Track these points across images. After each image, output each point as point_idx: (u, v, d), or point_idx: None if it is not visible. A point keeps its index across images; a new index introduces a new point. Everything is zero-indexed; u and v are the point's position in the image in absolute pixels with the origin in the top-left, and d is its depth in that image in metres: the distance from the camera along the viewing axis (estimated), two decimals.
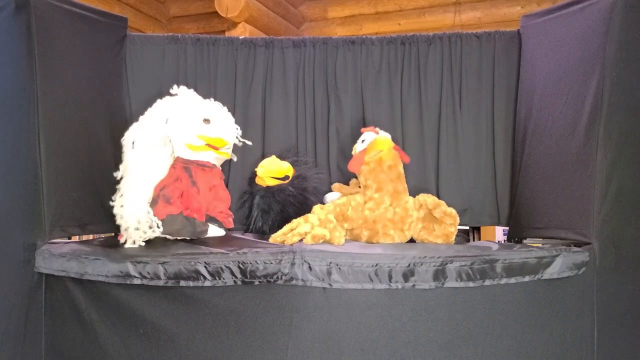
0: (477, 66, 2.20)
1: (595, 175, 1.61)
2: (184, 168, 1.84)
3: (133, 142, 1.78)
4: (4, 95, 1.59)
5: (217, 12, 3.61)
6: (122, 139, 1.82)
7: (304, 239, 1.71)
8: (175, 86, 1.95)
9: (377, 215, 1.85)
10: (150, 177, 1.77)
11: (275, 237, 1.78)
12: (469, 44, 2.20)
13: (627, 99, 1.60)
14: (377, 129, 1.99)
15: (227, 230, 1.98)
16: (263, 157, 2.24)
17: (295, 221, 1.82)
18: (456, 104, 2.21)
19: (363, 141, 1.95)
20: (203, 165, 1.88)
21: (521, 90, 2.09)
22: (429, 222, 1.89)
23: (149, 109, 1.88)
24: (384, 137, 1.95)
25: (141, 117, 1.87)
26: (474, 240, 2.40)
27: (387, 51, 2.25)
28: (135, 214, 1.70)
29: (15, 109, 1.61)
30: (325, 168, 2.26)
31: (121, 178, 1.79)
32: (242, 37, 2.31)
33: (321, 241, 1.72)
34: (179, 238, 1.82)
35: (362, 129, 2.02)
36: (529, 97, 2.01)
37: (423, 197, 1.89)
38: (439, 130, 2.21)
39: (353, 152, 1.99)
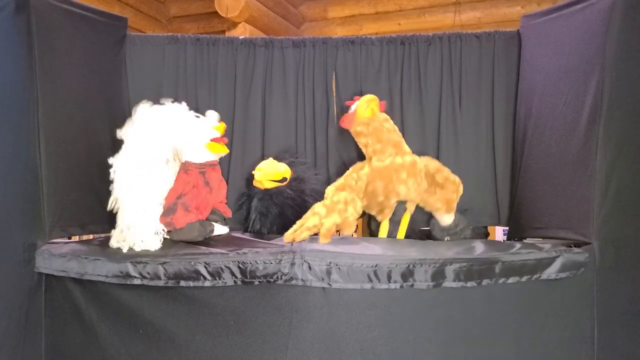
0: (477, 66, 2.20)
1: (595, 175, 1.61)
2: (200, 173, 1.84)
3: (136, 163, 1.76)
4: (3, 95, 1.59)
5: (217, 12, 3.60)
6: (113, 159, 1.76)
7: (319, 239, 1.71)
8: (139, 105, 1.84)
9: (388, 163, 1.89)
10: (160, 194, 1.78)
11: (288, 235, 1.77)
12: (468, 44, 2.20)
13: (626, 99, 1.61)
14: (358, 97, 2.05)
15: (227, 220, 1.99)
16: (263, 157, 2.24)
17: (305, 216, 1.81)
18: (456, 104, 2.21)
19: (350, 109, 2.02)
20: (213, 165, 1.90)
21: (521, 90, 2.09)
22: (430, 185, 1.92)
23: (137, 127, 1.79)
24: (367, 95, 2.02)
25: (127, 147, 1.78)
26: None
27: (387, 51, 2.25)
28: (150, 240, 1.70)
29: (15, 109, 1.61)
30: (324, 168, 2.26)
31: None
32: (242, 37, 2.31)
33: (335, 230, 1.74)
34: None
35: (347, 102, 2.08)
36: (528, 97, 2.01)
37: (426, 160, 1.96)
38: (438, 130, 2.21)
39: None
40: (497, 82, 2.18)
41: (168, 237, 1.77)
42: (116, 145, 2.05)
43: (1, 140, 1.59)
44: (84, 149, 1.86)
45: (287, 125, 2.28)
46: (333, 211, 1.75)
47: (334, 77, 2.27)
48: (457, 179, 1.92)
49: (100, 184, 1.91)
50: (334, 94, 2.28)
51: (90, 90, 1.91)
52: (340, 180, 1.92)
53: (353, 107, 2.00)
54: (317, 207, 1.80)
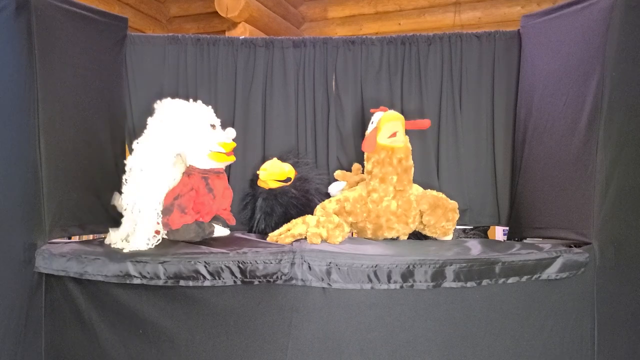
0: (477, 66, 2.19)
1: (595, 175, 1.61)
2: (202, 178, 1.85)
3: (143, 163, 1.77)
4: (4, 95, 1.59)
5: (217, 12, 3.61)
6: (126, 161, 1.80)
7: (307, 238, 1.72)
8: (159, 101, 1.89)
9: (381, 209, 1.85)
10: (161, 192, 1.79)
11: (272, 236, 1.79)
12: (469, 44, 2.20)
13: (627, 99, 1.60)
14: (385, 107, 1.98)
15: (230, 227, 1.99)
16: (264, 157, 2.24)
17: (293, 221, 1.82)
18: (456, 104, 2.21)
19: (372, 122, 1.94)
20: (218, 172, 1.91)
21: (521, 90, 2.09)
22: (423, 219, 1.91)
23: (150, 126, 1.83)
24: (392, 112, 1.94)
25: (144, 136, 1.82)
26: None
27: (387, 51, 2.24)
28: (148, 238, 1.70)
29: (16, 109, 1.61)
30: (325, 168, 2.26)
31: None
32: (242, 37, 2.31)
33: (320, 240, 1.71)
34: None
35: (372, 110, 2.01)
36: (529, 97, 2.01)
37: (424, 199, 1.91)
38: (439, 130, 2.21)
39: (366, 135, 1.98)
40: (497, 82, 2.18)
41: (166, 237, 1.78)
42: (116, 145, 2.06)
43: (1, 140, 1.59)
44: (84, 149, 1.86)
45: (288, 125, 2.28)
46: (322, 227, 1.76)
47: (334, 77, 2.27)
48: (451, 206, 1.90)
49: (101, 184, 1.92)
50: (334, 94, 2.28)
51: (90, 90, 1.91)
52: (332, 204, 1.89)
53: (374, 123, 1.91)
54: (309, 217, 1.81)
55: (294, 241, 1.73)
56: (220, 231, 1.88)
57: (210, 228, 1.85)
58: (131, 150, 1.83)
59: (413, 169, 1.94)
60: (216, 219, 1.91)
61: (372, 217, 1.86)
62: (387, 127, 1.87)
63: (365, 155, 1.95)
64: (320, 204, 1.92)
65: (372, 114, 2.00)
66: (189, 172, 1.86)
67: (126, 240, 1.70)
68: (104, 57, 2.01)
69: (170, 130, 1.79)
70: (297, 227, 1.77)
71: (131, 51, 2.18)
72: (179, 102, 1.88)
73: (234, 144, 1.91)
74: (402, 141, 1.90)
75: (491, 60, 2.18)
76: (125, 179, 1.76)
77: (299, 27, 4.56)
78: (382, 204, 1.86)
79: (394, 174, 1.87)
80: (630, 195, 1.61)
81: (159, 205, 1.76)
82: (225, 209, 1.96)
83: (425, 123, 1.98)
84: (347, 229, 1.81)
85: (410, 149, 1.94)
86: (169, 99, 1.89)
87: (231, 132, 1.91)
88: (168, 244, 1.73)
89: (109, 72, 2.04)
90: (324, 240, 1.73)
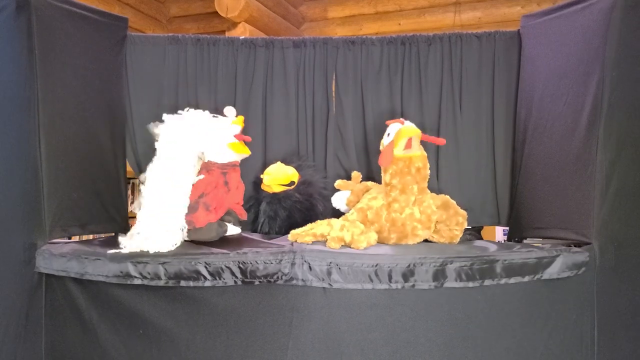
0: (477, 66, 2.19)
1: (595, 175, 1.61)
2: (222, 173, 1.86)
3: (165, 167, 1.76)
4: (4, 95, 1.60)
5: (217, 12, 3.61)
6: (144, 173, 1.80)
7: (326, 242, 1.67)
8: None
9: (406, 217, 1.82)
10: (183, 197, 1.76)
11: (293, 234, 1.76)
12: (469, 44, 2.20)
13: (627, 99, 1.61)
14: (402, 119, 1.96)
15: (241, 223, 1.99)
16: (264, 157, 2.24)
17: (317, 222, 1.79)
18: (456, 104, 2.20)
19: (389, 134, 1.91)
20: (235, 166, 1.91)
21: (521, 91, 2.09)
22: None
23: (163, 137, 1.81)
24: (409, 125, 1.91)
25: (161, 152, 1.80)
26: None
27: (387, 51, 2.24)
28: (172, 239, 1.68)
29: (16, 109, 1.61)
30: (324, 169, 2.26)
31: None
32: (242, 37, 2.31)
33: (340, 245, 1.66)
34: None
35: (387, 122, 1.98)
36: (529, 97, 2.01)
37: (438, 204, 1.89)
38: (439, 131, 2.20)
39: (381, 148, 1.95)
40: (497, 82, 2.17)
41: (187, 237, 1.75)
42: (116, 145, 2.06)
43: (1, 140, 1.59)
44: (84, 148, 1.86)
45: (288, 125, 2.28)
46: (347, 231, 1.70)
47: (334, 77, 2.27)
48: (461, 211, 1.87)
49: (101, 184, 1.92)
50: (334, 95, 2.28)
51: (90, 90, 1.91)
52: (354, 215, 1.86)
53: (388, 140, 1.89)
54: (335, 220, 1.77)
55: (295, 241, 1.73)
56: (232, 230, 1.87)
57: (224, 227, 1.84)
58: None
59: (428, 178, 1.91)
60: (228, 214, 1.90)
61: (398, 225, 1.82)
62: (404, 141, 1.85)
63: (382, 167, 1.92)
64: (342, 217, 1.87)
65: (387, 125, 1.95)
66: (209, 168, 1.84)
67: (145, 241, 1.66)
68: (104, 57, 2.01)
69: (185, 139, 1.80)
70: (320, 227, 1.73)
71: (131, 51, 2.18)
72: (177, 115, 1.87)
73: (242, 118, 1.92)
74: (418, 149, 1.88)
75: (491, 60, 2.18)
76: (144, 185, 1.75)
77: (299, 27, 4.56)
78: (405, 212, 1.83)
79: (413, 183, 1.85)
80: (630, 195, 1.61)
81: (185, 207, 1.75)
82: (238, 202, 1.95)
83: (440, 141, 1.98)
84: (374, 236, 1.75)
85: (426, 155, 1.92)
86: (167, 118, 1.87)
87: (231, 110, 1.91)
88: None
89: (109, 72, 2.04)
90: (346, 246, 1.67)
